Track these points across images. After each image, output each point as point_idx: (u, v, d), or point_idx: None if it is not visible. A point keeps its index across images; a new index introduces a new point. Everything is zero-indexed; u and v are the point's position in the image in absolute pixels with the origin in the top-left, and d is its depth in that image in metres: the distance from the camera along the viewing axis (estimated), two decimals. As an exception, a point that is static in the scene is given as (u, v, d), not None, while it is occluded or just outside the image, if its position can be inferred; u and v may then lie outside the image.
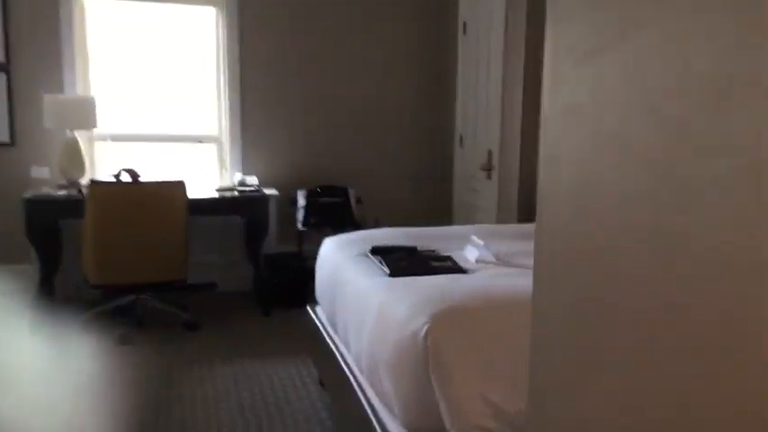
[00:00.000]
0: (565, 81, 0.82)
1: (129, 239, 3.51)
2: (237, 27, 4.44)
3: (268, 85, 4.56)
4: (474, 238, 2.39)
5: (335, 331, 2.50)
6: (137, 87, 4.38)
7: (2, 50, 4.03)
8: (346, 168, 4.73)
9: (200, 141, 4.57)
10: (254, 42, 4.49)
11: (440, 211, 4.79)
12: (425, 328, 1.61)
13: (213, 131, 4.57)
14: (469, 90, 4.41)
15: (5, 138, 4.11)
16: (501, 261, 2.24)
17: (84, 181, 3.88)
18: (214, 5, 4.42)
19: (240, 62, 4.47)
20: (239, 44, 4.46)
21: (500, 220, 3.89)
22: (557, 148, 0.86)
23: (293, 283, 4.15)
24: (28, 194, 3.76)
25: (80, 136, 4.06)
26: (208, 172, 4.57)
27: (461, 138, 4.57)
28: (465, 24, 4.44)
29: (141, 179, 3.67)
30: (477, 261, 2.24)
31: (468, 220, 4.34)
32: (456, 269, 2.10)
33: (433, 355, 1.58)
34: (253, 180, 4.29)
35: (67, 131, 3.97)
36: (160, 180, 3.63)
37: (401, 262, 2.19)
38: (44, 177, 4.13)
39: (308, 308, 2.98)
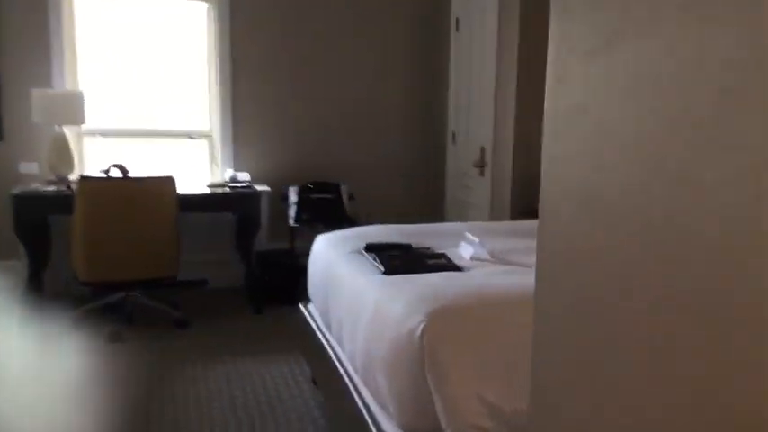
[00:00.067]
0: (569, 79, 0.81)
1: (118, 236, 3.48)
2: (229, 21, 4.40)
3: (260, 79, 4.53)
4: (469, 235, 2.38)
5: (329, 329, 2.49)
6: (126, 83, 4.34)
7: (-11, 44, 3.98)
8: (338, 165, 4.71)
9: (191, 137, 4.53)
10: (245, 37, 4.46)
11: (432, 208, 4.78)
12: (421, 326, 1.60)
13: (204, 127, 4.53)
14: (462, 87, 4.40)
15: (-7, 133, 4.06)
16: (496, 258, 2.23)
17: (74, 177, 3.84)
18: (205, 0, 4.38)
19: (231, 57, 4.44)
20: (231, 38, 4.42)
21: (493, 218, 3.89)
22: (560, 147, 0.84)
23: (285, 281, 4.13)
24: (16, 190, 3.72)
25: (69, 131, 4.02)
26: (198, 168, 4.54)
27: (454, 134, 4.56)
28: (458, 21, 4.42)
29: (131, 175, 3.64)
30: (472, 258, 2.23)
31: (461, 217, 4.33)
32: (451, 267, 2.09)
33: (428, 354, 1.57)
34: (244, 176, 4.26)
35: (56, 127, 3.93)
36: (150, 176, 3.59)
37: (395, 259, 2.17)
38: (33, 173, 4.09)
39: (301, 306, 2.96)
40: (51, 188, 3.78)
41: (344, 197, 4.32)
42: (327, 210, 4.26)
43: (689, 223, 0.66)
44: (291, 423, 2.60)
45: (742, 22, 0.59)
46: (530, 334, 1.50)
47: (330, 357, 2.35)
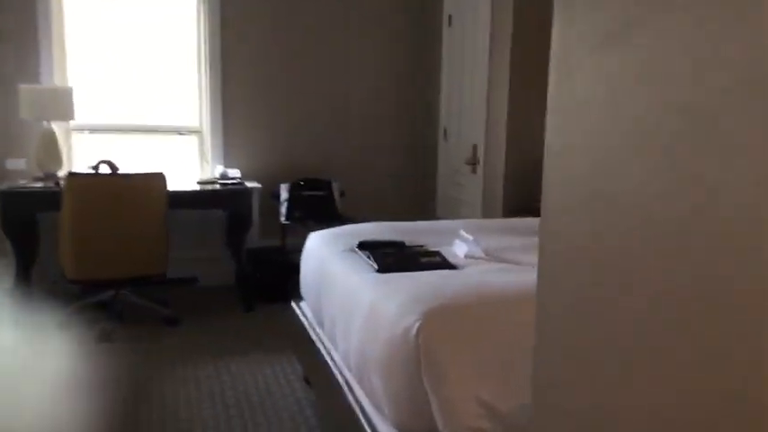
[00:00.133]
0: (575, 71, 0.78)
1: (107, 233, 3.43)
2: (219, 16, 4.36)
3: (250, 75, 4.49)
4: (463, 233, 2.36)
5: (321, 327, 2.46)
6: (116, 78, 4.28)
7: (-25, 38, 3.91)
8: (330, 161, 4.68)
9: (181, 133, 4.48)
10: (236, 32, 4.41)
11: (424, 205, 4.76)
12: (417, 325, 1.57)
13: (194, 123, 4.48)
14: (454, 84, 4.38)
15: (-21, 128, 4.00)
16: (490, 256, 2.21)
17: (62, 173, 3.79)
18: (195, -6, 4.33)
19: (222, 53, 4.39)
20: (221, 33, 4.38)
21: (485, 215, 3.87)
22: (564, 141, 0.82)
23: (276, 278, 4.09)
24: (3, 187, 3.67)
25: (57, 127, 3.97)
26: (189, 164, 4.49)
27: (446, 132, 4.53)
28: (450, 17, 4.39)
29: (120, 171, 3.59)
30: (466, 256, 2.20)
31: (453, 214, 4.31)
32: (446, 265, 2.07)
33: (424, 354, 1.54)
34: (235, 173, 4.22)
35: (44, 123, 3.87)
36: (139, 172, 3.55)
37: (389, 257, 2.14)
38: (20, 169, 4.03)
39: (293, 304, 2.93)
40: (39, 185, 3.73)
41: (336, 194, 4.29)
42: (319, 207, 4.23)
43: (705, 224, 0.64)
44: (283, 422, 2.57)
45: (760, 10, 0.57)
46: (526, 333, 1.47)
47: (323, 356, 2.33)
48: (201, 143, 4.50)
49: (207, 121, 4.45)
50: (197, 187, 4.01)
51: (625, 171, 0.74)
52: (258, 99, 4.53)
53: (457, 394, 1.50)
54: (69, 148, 4.22)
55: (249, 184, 4.14)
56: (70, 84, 4.12)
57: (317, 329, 2.53)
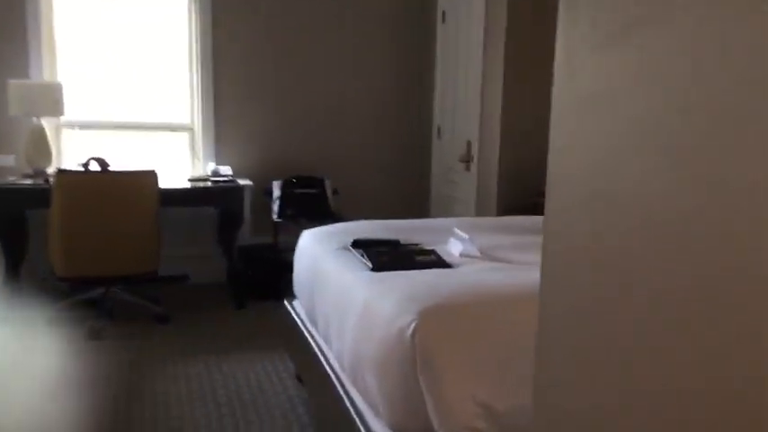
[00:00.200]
0: (578, 72, 0.78)
1: (97, 230, 3.41)
2: (211, 12, 4.33)
3: (242, 73, 4.46)
4: (458, 231, 2.36)
5: (315, 326, 2.45)
6: (107, 74, 4.25)
7: (-37, 33, 3.86)
8: (322, 159, 4.67)
9: (172, 130, 4.45)
10: (228, 30, 4.39)
11: (417, 203, 4.76)
12: (413, 325, 1.56)
13: (185, 119, 4.45)
14: (448, 81, 4.38)
15: (-33, 124, 3.95)
16: (485, 255, 2.21)
17: (51, 170, 3.75)
18: (187, -10, 4.30)
19: (213, 49, 4.37)
20: (212, 29, 4.35)
21: (479, 213, 3.87)
22: (568, 139, 0.82)
23: (268, 276, 4.08)
24: (-8, 183, 3.63)
25: (47, 123, 3.93)
26: (180, 161, 4.46)
27: (439, 129, 4.53)
28: (444, 13, 4.39)
29: (111, 168, 3.57)
30: (461, 255, 2.20)
31: (446, 212, 4.31)
32: (441, 263, 2.06)
33: (420, 353, 1.54)
34: (226, 170, 4.20)
35: (34, 118, 3.83)
36: (130, 169, 3.52)
37: (384, 256, 2.14)
38: (9, 166, 3.99)
39: (286, 302, 2.92)
40: (28, 181, 3.70)
41: (328, 192, 4.28)
42: (311, 204, 4.22)
43: (712, 227, 0.64)
44: (275, 420, 2.57)
45: (760, 10, 0.57)
46: (523, 332, 1.48)
47: (316, 354, 2.32)
48: (193, 140, 4.48)
49: (198, 118, 4.42)
50: (188, 185, 3.98)
51: (625, 171, 0.74)
52: (250, 96, 4.51)
53: (453, 394, 1.50)
54: (59, 145, 4.18)
55: (241, 182, 4.12)
56: (60, 79, 4.09)
57: (310, 328, 2.52)
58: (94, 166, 3.55)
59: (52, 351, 3.11)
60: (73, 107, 4.07)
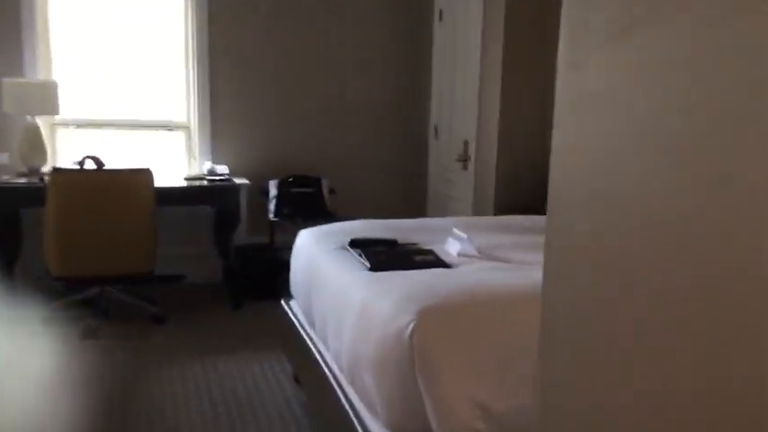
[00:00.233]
0: (579, 72, 0.78)
1: (93, 230, 3.39)
2: (207, 10, 4.32)
3: (239, 70, 4.45)
4: (456, 230, 2.35)
5: (312, 326, 2.44)
6: (102, 73, 4.23)
7: (-42, 31, 3.84)
8: (319, 158, 4.66)
9: (168, 128, 4.44)
10: (224, 26, 4.38)
11: (414, 202, 4.76)
12: (411, 325, 1.56)
13: (181, 118, 4.44)
14: (445, 79, 4.37)
15: (-38, 123, 3.94)
16: (483, 255, 2.21)
17: (46, 168, 3.74)
18: (183, -12, 4.29)
19: (210, 48, 4.36)
20: (209, 28, 4.34)
21: (476, 212, 3.87)
22: (571, 137, 0.82)
23: (265, 275, 4.07)
24: (-14, 182, 3.61)
25: (42, 122, 3.92)
26: (176, 160, 4.45)
27: (436, 128, 4.53)
28: (441, 12, 4.39)
29: (106, 167, 3.55)
30: (459, 255, 2.20)
31: (443, 211, 4.31)
32: (439, 263, 2.06)
33: (419, 354, 1.53)
34: (223, 169, 4.19)
35: (28, 117, 3.82)
36: (126, 168, 3.51)
37: (381, 255, 2.13)
38: (4, 164, 3.98)
39: (283, 302, 2.92)
40: (23, 180, 3.68)
41: (325, 191, 4.28)
42: (308, 204, 4.22)
43: (715, 227, 0.64)
44: (273, 421, 2.56)
45: (760, 10, 0.57)
46: (522, 332, 1.48)
47: (313, 355, 2.31)
48: (189, 139, 4.47)
49: (195, 117, 4.41)
50: (184, 183, 3.97)
51: (625, 171, 0.74)
52: (247, 95, 4.50)
53: (452, 394, 1.50)
54: (54, 143, 4.17)
55: (237, 181, 4.11)
56: (55, 77, 4.07)
57: (308, 328, 2.52)
58: (90, 165, 3.54)
59: (47, 351, 3.10)
60: (68, 105, 4.06)
